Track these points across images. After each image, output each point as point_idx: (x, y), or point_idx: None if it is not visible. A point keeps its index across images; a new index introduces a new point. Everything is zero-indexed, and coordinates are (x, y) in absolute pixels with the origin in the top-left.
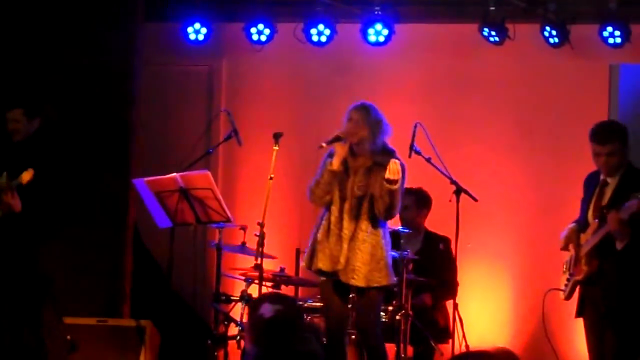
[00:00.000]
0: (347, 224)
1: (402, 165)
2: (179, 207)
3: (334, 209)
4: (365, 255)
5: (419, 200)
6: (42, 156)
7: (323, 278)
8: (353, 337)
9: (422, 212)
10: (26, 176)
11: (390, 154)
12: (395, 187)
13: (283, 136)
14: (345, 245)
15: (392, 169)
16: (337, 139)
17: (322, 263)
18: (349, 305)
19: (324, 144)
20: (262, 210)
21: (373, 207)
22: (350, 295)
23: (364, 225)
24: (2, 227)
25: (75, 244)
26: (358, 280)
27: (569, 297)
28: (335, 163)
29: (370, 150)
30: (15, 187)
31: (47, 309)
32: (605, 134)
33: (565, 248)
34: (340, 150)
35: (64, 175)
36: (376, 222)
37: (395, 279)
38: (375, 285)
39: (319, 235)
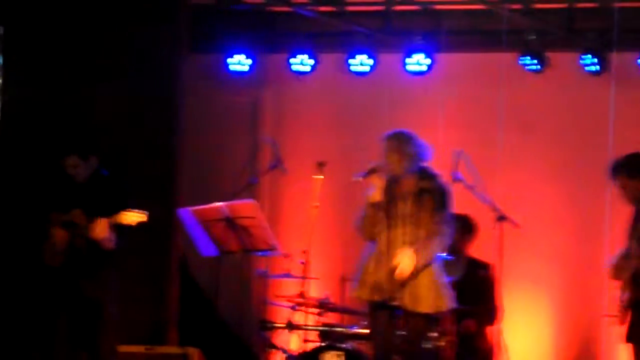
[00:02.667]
0: (394, 251)
1: (447, 189)
2: (224, 235)
3: (383, 238)
4: (427, 282)
5: (464, 226)
6: (106, 192)
7: (371, 305)
8: None
9: (466, 239)
10: (134, 217)
11: (433, 177)
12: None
13: (327, 165)
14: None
15: (400, 270)
16: (372, 171)
17: (373, 293)
18: (397, 332)
19: (359, 177)
20: (307, 238)
21: (419, 230)
22: (400, 320)
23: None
24: (75, 260)
25: (124, 273)
26: (425, 307)
27: (622, 322)
28: (376, 195)
29: (412, 175)
30: (113, 224)
31: (104, 336)
32: (611, 170)
33: (614, 276)
34: (378, 181)
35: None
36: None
37: (445, 307)
38: (442, 310)
39: (369, 265)
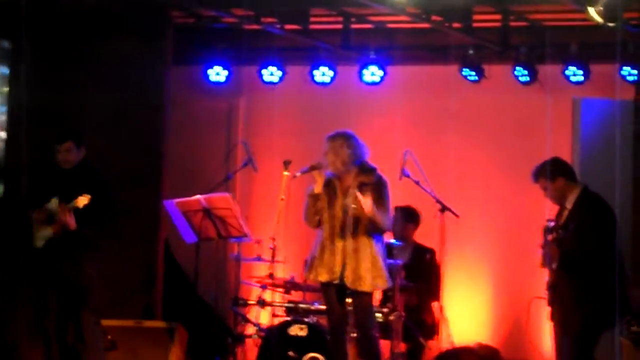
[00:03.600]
0: (338, 238)
1: (384, 181)
2: (203, 224)
3: (326, 227)
4: (367, 264)
5: (407, 215)
6: (90, 181)
7: (322, 285)
8: (353, 335)
9: (409, 226)
10: (83, 200)
11: (371, 171)
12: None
13: (292, 163)
14: (338, 258)
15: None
16: (312, 168)
17: (321, 275)
18: (349, 308)
19: (297, 174)
20: (275, 226)
21: (363, 223)
22: (349, 300)
23: (359, 238)
24: (56, 244)
25: (115, 258)
26: (364, 286)
27: (548, 303)
28: (316, 188)
29: (352, 171)
30: (72, 209)
31: (86, 312)
32: (533, 175)
33: (542, 264)
34: (318, 177)
35: (108, 197)
36: (369, 235)
37: (391, 283)
38: (380, 289)
39: (316, 251)
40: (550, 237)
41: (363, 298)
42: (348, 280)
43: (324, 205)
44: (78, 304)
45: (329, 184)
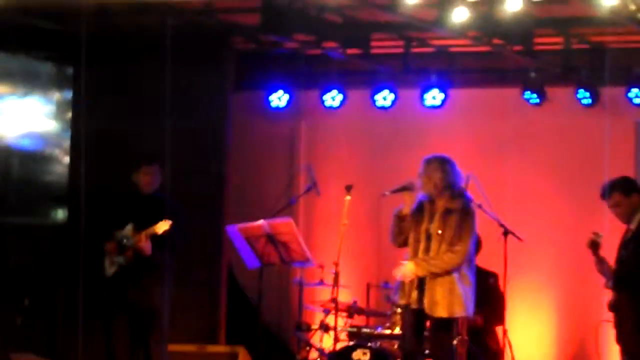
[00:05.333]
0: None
1: (470, 209)
2: (265, 249)
3: (410, 249)
4: (444, 290)
5: None
6: (168, 208)
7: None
8: None
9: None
10: (163, 226)
11: (460, 198)
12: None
13: (354, 187)
14: (415, 281)
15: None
16: (403, 188)
17: (401, 298)
18: (426, 333)
19: (387, 193)
20: (337, 251)
21: (442, 244)
22: (428, 326)
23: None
24: (126, 271)
25: (179, 282)
26: (441, 312)
27: (614, 325)
28: (404, 209)
29: (444, 196)
30: (151, 235)
31: (155, 338)
32: (605, 190)
33: (606, 285)
34: (407, 198)
35: (183, 224)
36: (458, 255)
37: (471, 312)
38: (456, 316)
39: None
40: (600, 253)
41: (439, 324)
42: (426, 306)
43: (410, 227)
44: (147, 330)
45: (420, 206)
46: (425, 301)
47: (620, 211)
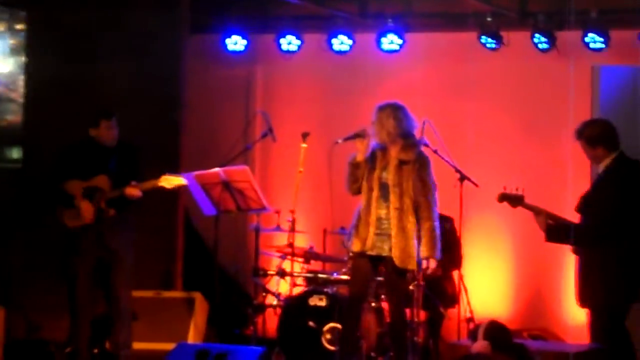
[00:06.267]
0: (374, 210)
1: (424, 158)
2: (222, 197)
3: (363, 198)
4: (413, 242)
5: None
6: (132, 157)
7: (355, 254)
8: (373, 304)
9: None
10: (173, 181)
11: (413, 147)
12: None
13: (310, 134)
14: (371, 229)
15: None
16: (356, 136)
17: (354, 245)
18: (378, 278)
19: (339, 140)
20: (294, 198)
21: (403, 197)
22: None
23: (405, 215)
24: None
25: (138, 229)
26: (396, 260)
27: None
28: (358, 156)
29: (397, 145)
30: (152, 189)
31: (121, 282)
32: (575, 132)
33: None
34: (360, 145)
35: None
36: (408, 210)
37: (438, 255)
38: (408, 267)
39: (355, 221)
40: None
41: (397, 270)
42: (396, 259)
43: (363, 175)
44: (116, 275)
45: (373, 154)
46: (396, 253)
47: (587, 155)
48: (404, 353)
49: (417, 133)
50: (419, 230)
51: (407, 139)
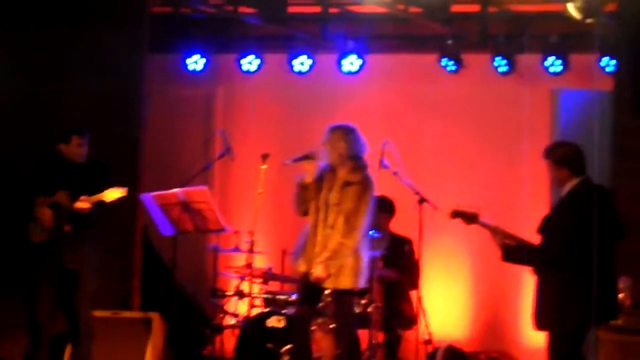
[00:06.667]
0: (321, 231)
1: (368, 182)
2: (180, 217)
3: (311, 218)
4: (335, 260)
5: (381, 206)
6: (102, 175)
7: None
8: (331, 326)
9: (384, 217)
10: (113, 194)
11: (359, 170)
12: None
13: (270, 156)
14: (317, 250)
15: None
16: (304, 157)
17: (301, 265)
18: (323, 302)
19: (287, 162)
20: (253, 218)
21: (338, 216)
22: (326, 293)
23: (337, 233)
24: (58, 235)
25: (96, 247)
26: (328, 283)
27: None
28: (306, 178)
29: (345, 167)
30: (96, 202)
31: (81, 303)
32: (545, 151)
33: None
34: (309, 167)
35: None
36: (352, 231)
37: (362, 284)
38: (342, 287)
39: (302, 241)
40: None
41: (336, 294)
42: (329, 280)
43: (312, 195)
44: (76, 294)
45: (321, 175)
46: (316, 267)
47: (551, 177)
48: None
49: (375, 155)
50: (356, 250)
51: (356, 161)
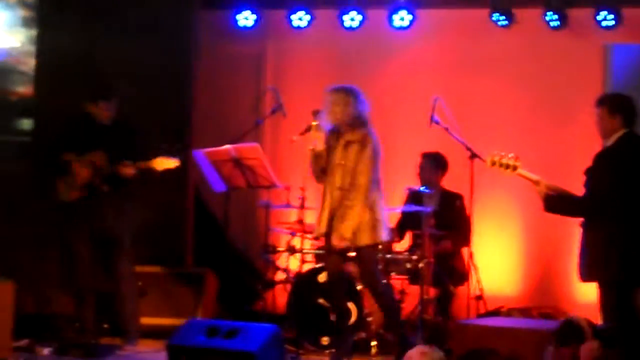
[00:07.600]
0: (329, 192)
1: (370, 139)
2: (232, 173)
3: (325, 184)
4: (348, 221)
5: (435, 162)
6: (129, 137)
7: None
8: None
9: (437, 173)
10: (165, 164)
11: (359, 128)
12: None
13: (320, 112)
14: (325, 213)
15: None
16: (308, 128)
17: (316, 230)
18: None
19: (295, 138)
20: (303, 175)
21: (345, 176)
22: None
23: (346, 193)
24: (94, 194)
25: (146, 205)
26: (344, 242)
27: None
28: (317, 145)
29: (348, 127)
30: (144, 169)
31: (122, 259)
32: (598, 100)
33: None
34: (316, 135)
35: (144, 149)
36: (358, 189)
37: (384, 237)
38: (362, 244)
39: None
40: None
41: (363, 252)
42: (347, 237)
43: (326, 161)
44: (115, 250)
45: (328, 139)
46: (333, 236)
47: (600, 126)
48: (394, 320)
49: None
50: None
51: (356, 121)
